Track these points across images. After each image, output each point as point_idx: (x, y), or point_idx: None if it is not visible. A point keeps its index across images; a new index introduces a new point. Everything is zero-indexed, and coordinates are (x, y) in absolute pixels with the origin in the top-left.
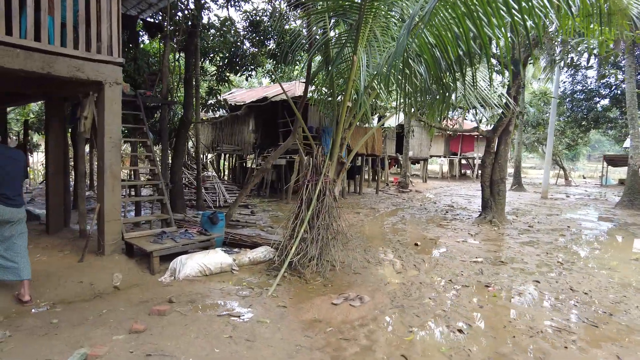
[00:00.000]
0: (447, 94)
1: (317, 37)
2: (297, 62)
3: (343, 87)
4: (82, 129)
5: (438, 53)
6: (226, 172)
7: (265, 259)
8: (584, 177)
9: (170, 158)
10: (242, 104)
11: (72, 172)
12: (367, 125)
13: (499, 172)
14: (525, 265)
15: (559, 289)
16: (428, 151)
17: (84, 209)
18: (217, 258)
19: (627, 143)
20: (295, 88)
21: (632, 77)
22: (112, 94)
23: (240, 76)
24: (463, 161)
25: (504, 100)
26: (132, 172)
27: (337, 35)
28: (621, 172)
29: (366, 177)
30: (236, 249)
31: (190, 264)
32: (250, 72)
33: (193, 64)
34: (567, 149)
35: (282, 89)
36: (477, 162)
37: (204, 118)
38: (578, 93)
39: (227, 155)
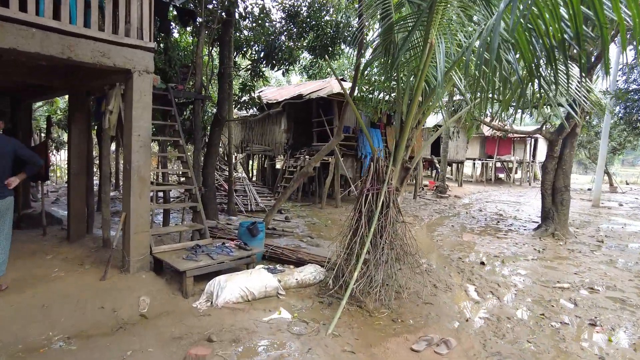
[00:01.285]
0: (532, 87)
1: (369, 24)
2: (337, 57)
3: (405, 81)
4: (106, 125)
5: (534, 37)
6: (254, 173)
7: (314, 280)
8: (627, 183)
9: (202, 159)
10: (273, 102)
11: (97, 172)
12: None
13: (562, 179)
14: (623, 294)
15: None
16: (464, 153)
17: (108, 215)
18: (261, 280)
19: None
20: (332, 85)
21: None
22: (141, 84)
23: (276, 71)
24: (497, 164)
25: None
26: (161, 175)
27: (402, 17)
28: None
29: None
30: (278, 266)
31: (231, 288)
32: (287, 67)
33: (227, 56)
34: (611, 153)
35: (340, 84)
36: (514, 165)
37: (235, 117)
38: (632, 93)
39: (257, 156)
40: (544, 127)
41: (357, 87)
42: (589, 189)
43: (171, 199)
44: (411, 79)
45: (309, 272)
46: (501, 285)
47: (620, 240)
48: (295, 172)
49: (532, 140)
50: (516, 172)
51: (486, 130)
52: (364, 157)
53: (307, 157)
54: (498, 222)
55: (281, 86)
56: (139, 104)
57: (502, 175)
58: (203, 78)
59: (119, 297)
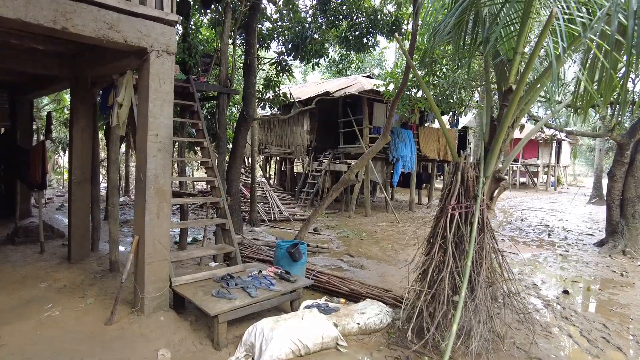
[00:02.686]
0: None
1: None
2: (372, 49)
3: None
4: (114, 122)
5: None
6: (272, 177)
7: (381, 325)
8: None
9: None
10: (296, 100)
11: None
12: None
13: (634, 188)
14: None
15: None
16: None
17: (117, 232)
18: (315, 328)
19: None
20: (361, 82)
21: None
22: (161, 69)
23: (306, 64)
24: (522, 169)
25: None
26: (177, 183)
27: None
28: None
29: (439, 185)
30: (324, 298)
31: (279, 341)
32: (317, 60)
33: (253, 45)
34: None
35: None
36: (539, 169)
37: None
38: None
39: (274, 159)
40: (614, 129)
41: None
42: None
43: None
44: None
45: (374, 314)
46: (608, 326)
47: None
48: (318, 177)
49: (557, 143)
50: (538, 177)
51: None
52: (395, 160)
53: (336, 161)
54: (549, 234)
55: (304, 84)
56: (157, 95)
57: (524, 180)
58: (228, 69)
59: (130, 351)
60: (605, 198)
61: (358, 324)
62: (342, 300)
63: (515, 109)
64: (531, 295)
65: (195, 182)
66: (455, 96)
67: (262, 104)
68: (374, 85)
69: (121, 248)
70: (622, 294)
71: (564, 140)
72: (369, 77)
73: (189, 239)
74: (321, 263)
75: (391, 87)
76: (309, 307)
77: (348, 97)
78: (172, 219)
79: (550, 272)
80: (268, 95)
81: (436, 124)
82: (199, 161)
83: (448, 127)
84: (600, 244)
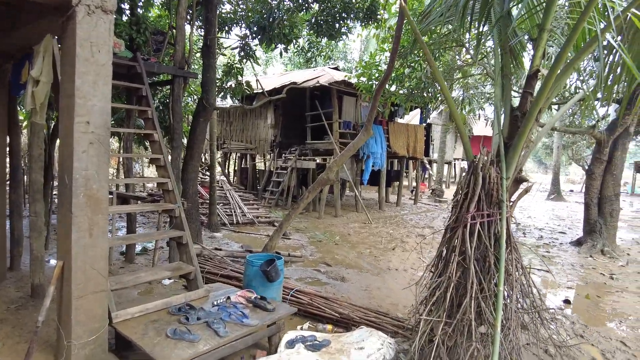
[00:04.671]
0: None
1: None
2: (345, 36)
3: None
4: (29, 105)
5: None
6: (231, 175)
7: None
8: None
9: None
10: (260, 92)
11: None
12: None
13: (612, 186)
14: None
15: None
16: (452, 153)
17: (41, 249)
18: None
19: None
20: (330, 73)
21: None
22: (93, 32)
23: (273, 49)
24: None
25: None
26: (123, 186)
27: None
28: None
29: (405, 182)
30: (307, 325)
31: None
32: (286, 46)
33: (214, 24)
34: None
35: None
36: None
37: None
38: None
39: (234, 155)
40: (596, 125)
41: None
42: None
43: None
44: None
45: (375, 348)
46: (630, 346)
47: None
48: (284, 175)
49: None
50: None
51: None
52: (365, 157)
53: (303, 157)
54: (524, 233)
55: (262, 76)
56: (88, 68)
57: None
58: (185, 48)
59: None
60: (562, 194)
61: None
62: (330, 327)
63: (544, 97)
64: (547, 312)
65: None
66: (430, 89)
67: (222, 94)
68: (345, 76)
69: (52, 262)
70: (621, 300)
71: (545, 134)
72: (336, 68)
73: (138, 248)
74: (296, 275)
75: (363, 79)
76: (292, 343)
77: (316, 90)
78: (116, 227)
79: (542, 277)
80: (229, 84)
81: (405, 120)
82: (149, 158)
83: (416, 122)
84: (578, 243)
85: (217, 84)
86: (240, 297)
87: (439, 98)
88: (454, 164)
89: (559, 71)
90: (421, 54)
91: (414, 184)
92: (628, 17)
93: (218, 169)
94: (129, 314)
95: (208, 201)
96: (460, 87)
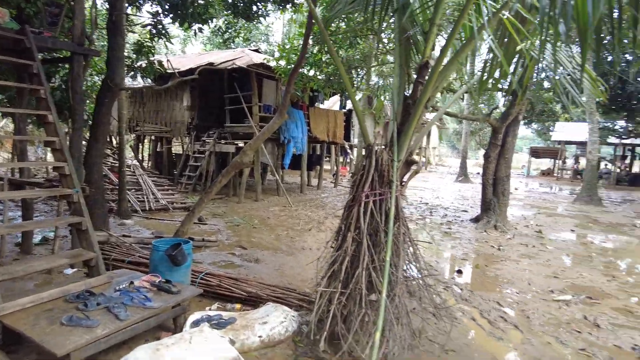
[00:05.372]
0: None
1: None
2: (263, 18)
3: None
4: None
5: None
6: (146, 160)
7: (287, 334)
8: None
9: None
10: (176, 70)
11: None
12: (325, 106)
13: (504, 168)
14: (619, 301)
15: None
16: (373, 138)
17: None
18: (209, 350)
19: (555, 136)
20: (249, 55)
21: (615, 67)
22: None
23: (186, 29)
24: None
25: None
26: (17, 170)
27: None
28: (542, 164)
29: (327, 167)
30: (216, 305)
31: None
32: (201, 26)
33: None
34: None
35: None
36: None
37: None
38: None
39: (149, 138)
40: (492, 113)
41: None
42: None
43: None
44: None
45: (278, 322)
46: (503, 304)
47: (552, 229)
48: (201, 159)
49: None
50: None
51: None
52: (287, 141)
53: (222, 141)
54: (431, 212)
55: (180, 55)
56: None
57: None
58: (86, 22)
59: None
60: (469, 177)
61: (260, 337)
62: (238, 305)
63: (432, 86)
64: (431, 278)
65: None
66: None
67: (132, 73)
68: (264, 59)
69: None
70: (504, 268)
71: (434, 124)
72: (256, 51)
73: (37, 238)
74: (209, 260)
75: (282, 62)
76: (198, 322)
77: (235, 71)
78: (10, 216)
79: (441, 251)
80: (140, 63)
81: (325, 105)
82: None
83: (337, 108)
84: (476, 220)
85: (127, 63)
86: (145, 281)
87: (355, 85)
88: None
89: (443, 64)
90: (339, 40)
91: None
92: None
93: (130, 153)
94: (19, 305)
95: (118, 187)
96: (377, 74)
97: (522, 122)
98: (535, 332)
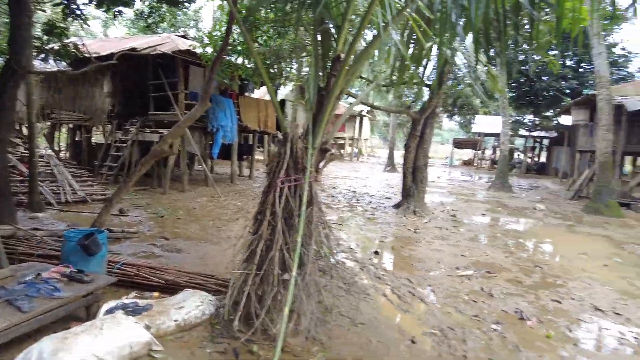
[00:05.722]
0: None
1: None
2: (187, 3)
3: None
4: None
5: None
6: (63, 150)
7: (204, 317)
8: (430, 157)
9: None
10: (94, 54)
11: None
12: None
13: (423, 158)
14: (511, 273)
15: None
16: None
17: None
18: (122, 337)
19: (475, 128)
20: (175, 41)
21: (503, 67)
22: None
23: (105, 10)
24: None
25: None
26: None
27: None
28: (464, 154)
29: (260, 157)
30: (134, 294)
31: None
32: (119, 9)
33: None
34: None
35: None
36: (346, 142)
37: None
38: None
39: (67, 127)
40: (411, 106)
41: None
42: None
43: None
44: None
45: (194, 306)
46: (413, 282)
47: (465, 213)
48: (124, 148)
49: (359, 118)
50: (344, 148)
51: None
52: (215, 130)
53: (146, 129)
54: (357, 199)
55: (102, 39)
56: None
57: (333, 151)
58: None
59: None
60: (396, 167)
61: (176, 321)
62: (156, 294)
63: (343, 79)
64: (349, 259)
65: None
66: (276, 66)
67: (42, 56)
68: (191, 45)
69: None
70: (418, 249)
71: (365, 116)
72: (183, 37)
73: None
74: (129, 251)
75: (209, 49)
76: (112, 310)
77: (160, 57)
78: None
79: (362, 235)
80: (52, 45)
81: (256, 94)
82: None
83: (268, 98)
84: (397, 206)
85: (37, 44)
86: (54, 272)
87: (284, 75)
88: None
89: (352, 58)
90: (267, 30)
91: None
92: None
93: (44, 142)
94: None
95: (28, 178)
96: (307, 64)
97: (445, 115)
98: (438, 304)
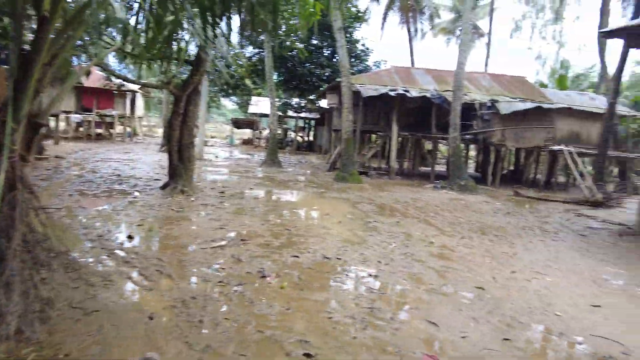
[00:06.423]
0: None
1: None
2: None
3: None
4: None
5: None
6: None
7: None
8: (212, 137)
9: None
10: None
11: None
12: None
13: (188, 136)
14: (265, 238)
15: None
16: (60, 106)
17: None
18: None
19: (252, 109)
20: None
21: (269, 52)
22: None
23: None
24: (97, 119)
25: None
26: None
27: None
28: (245, 133)
29: None
30: None
31: None
32: None
33: None
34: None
35: None
36: (115, 120)
37: None
38: (219, 60)
39: None
40: (171, 82)
41: None
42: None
43: None
44: None
45: None
46: (164, 260)
47: (234, 189)
48: None
49: (132, 95)
50: (114, 128)
51: (85, 81)
52: None
53: None
54: (121, 183)
55: None
56: None
57: (100, 131)
58: None
59: None
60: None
61: None
62: None
63: (52, 43)
64: (98, 249)
65: None
66: None
67: None
68: None
69: None
70: (177, 227)
71: (137, 92)
72: None
73: None
74: None
75: None
76: None
77: None
78: None
79: (118, 220)
80: None
81: None
82: None
83: None
84: (164, 186)
85: None
86: None
87: None
88: (76, 118)
89: (57, 21)
90: None
91: None
92: None
93: None
94: None
95: None
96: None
97: (221, 95)
98: (184, 277)
